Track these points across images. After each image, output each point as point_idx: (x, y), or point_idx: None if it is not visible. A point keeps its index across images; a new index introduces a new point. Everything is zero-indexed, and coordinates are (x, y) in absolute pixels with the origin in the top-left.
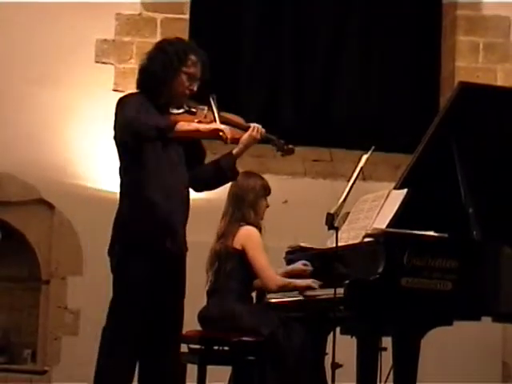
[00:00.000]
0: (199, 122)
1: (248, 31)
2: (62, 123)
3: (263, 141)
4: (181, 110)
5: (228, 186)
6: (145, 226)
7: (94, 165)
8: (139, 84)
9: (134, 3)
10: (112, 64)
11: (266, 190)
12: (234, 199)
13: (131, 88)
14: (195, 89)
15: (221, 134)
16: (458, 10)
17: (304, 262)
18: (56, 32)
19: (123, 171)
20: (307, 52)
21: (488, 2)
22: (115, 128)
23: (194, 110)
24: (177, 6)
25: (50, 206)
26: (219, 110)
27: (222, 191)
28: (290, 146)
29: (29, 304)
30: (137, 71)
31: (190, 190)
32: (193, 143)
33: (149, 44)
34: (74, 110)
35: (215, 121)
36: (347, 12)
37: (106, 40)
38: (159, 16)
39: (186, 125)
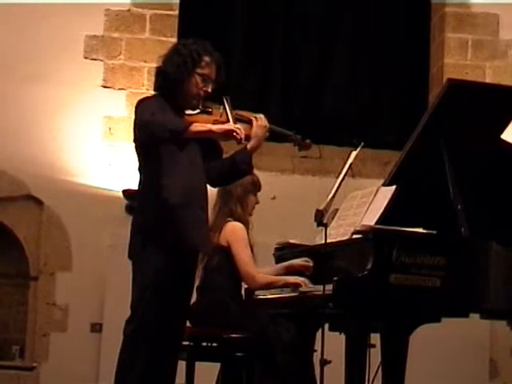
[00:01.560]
0: (214, 121)
1: (237, 28)
2: (50, 119)
3: (281, 137)
4: (196, 111)
5: None
6: (161, 226)
7: (83, 161)
8: (156, 86)
9: None
10: (101, 60)
11: (256, 186)
12: (223, 194)
13: (120, 84)
14: (210, 90)
15: (234, 134)
16: (447, 8)
17: (305, 258)
18: (45, 28)
19: (142, 171)
20: (296, 49)
21: None
22: (135, 130)
23: (209, 109)
24: (166, 1)
25: (39, 202)
26: (233, 110)
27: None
28: (308, 141)
29: (17, 300)
30: (126, 67)
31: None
32: (209, 141)
33: (138, 40)
34: (62, 106)
35: (229, 121)
36: (337, 10)
37: (94, 36)
38: (148, 12)
39: (199, 126)
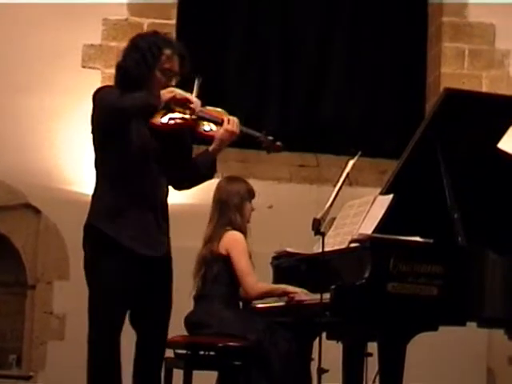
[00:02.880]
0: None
1: (234, 36)
2: (48, 128)
3: (249, 138)
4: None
5: (212, 190)
6: (115, 228)
7: (80, 170)
8: (116, 82)
9: (121, 8)
10: (99, 69)
11: (251, 194)
12: (219, 204)
13: None
14: (173, 84)
15: (191, 104)
16: (444, 17)
17: (306, 292)
18: (43, 37)
19: (98, 164)
20: (294, 57)
21: (473, 9)
22: (93, 120)
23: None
24: (163, 11)
25: (36, 211)
26: (203, 105)
27: (205, 196)
28: (278, 143)
29: (14, 309)
30: None
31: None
32: (176, 140)
33: None
34: (60, 115)
35: None
36: (334, 18)
37: (92, 45)
38: (146, 21)
39: (167, 92)
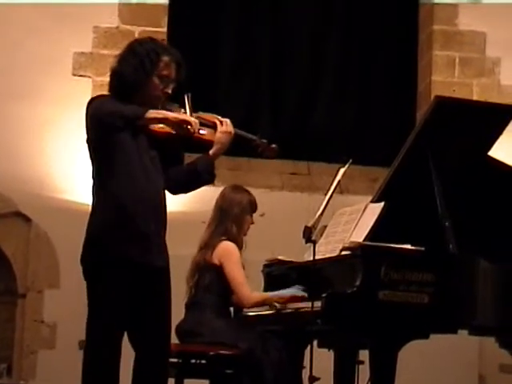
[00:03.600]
0: None
1: (226, 45)
2: (39, 136)
3: (244, 141)
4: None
5: (208, 197)
6: (115, 236)
7: (71, 178)
8: (110, 88)
9: (112, 16)
10: (89, 77)
11: (253, 207)
12: (219, 212)
13: None
14: (170, 91)
15: (188, 126)
16: (435, 25)
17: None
18: (33, 45)
19: (95, 175)
20: (285, 65)
21: (464, 17)
22: (88, 131)
23: (169, 109)
24: (154, 18)
25: (27, 219)
26: (195, 110)
27: (197, 205)
28: (273, 146)
29: (5, 317)
30: None
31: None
32: (169, 145)
33: None
34: (50, 123)
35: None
36: (326, 26)
37: (83, 53)
38: (137, 29)
39: (155, 112)
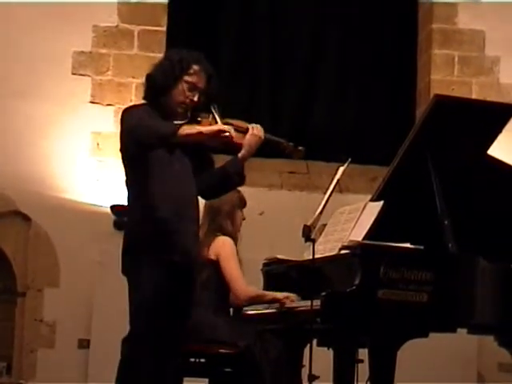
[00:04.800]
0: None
1: (225, 44)
2: (38, 135)
3: (272, 144)
4: (185, 121)
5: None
6: (153, 239)
7: (71, 176)
8: (144, 93)
9: (111, 15)
10: (89, 76)
11: (242, 202)
12: (210, 211)
13: (108, 100)
14: (196, 99)
15: (225, 134)
16: (434, 24)
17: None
18: (32, 44)
19: (129, 184)
20: (284, 65)
21: (463, 15)
22: (121, 139)
23: (198, 119)
24: (154, 18)
25: (27, 218)
26: (223, 118)
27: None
28: (300, 148)
29: (4, 316)
30: (114, 83)
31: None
32: (199, 152)
33: (126, 56)
34: (50, 122)
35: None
36: (325, 26)
37: (82, 52)
38: (136, 28)
39: (188, 129)
